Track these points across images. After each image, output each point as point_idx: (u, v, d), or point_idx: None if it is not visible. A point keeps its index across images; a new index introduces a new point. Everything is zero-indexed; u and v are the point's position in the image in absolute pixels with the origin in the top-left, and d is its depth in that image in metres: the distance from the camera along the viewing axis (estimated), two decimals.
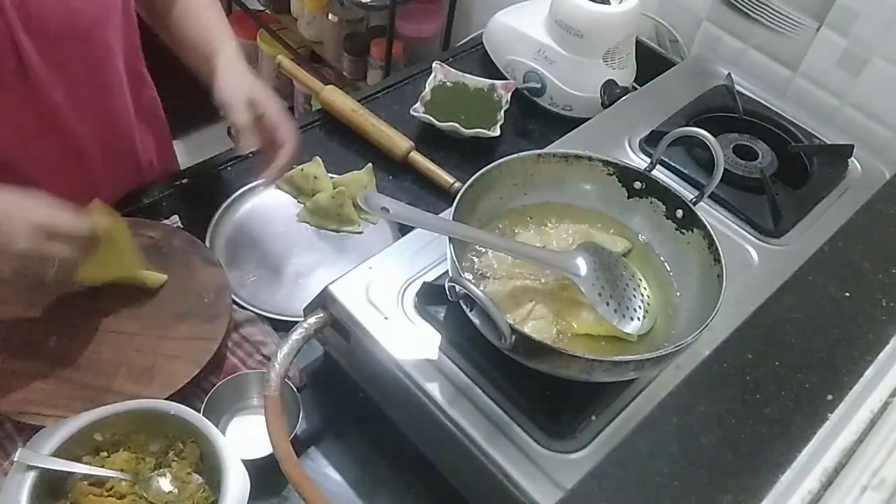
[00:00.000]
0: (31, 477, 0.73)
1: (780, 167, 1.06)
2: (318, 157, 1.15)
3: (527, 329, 0.75)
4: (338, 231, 1.11)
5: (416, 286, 0.83)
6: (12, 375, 0.85)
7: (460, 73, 1.32)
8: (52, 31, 0.88)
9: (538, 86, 1.31)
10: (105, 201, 1.04)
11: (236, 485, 0.75)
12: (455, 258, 0.73)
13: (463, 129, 1.22)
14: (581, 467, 0.72)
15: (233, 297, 0.97)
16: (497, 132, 1.23)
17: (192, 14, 1.05)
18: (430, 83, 1.29)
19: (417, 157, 1.18)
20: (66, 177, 1.00)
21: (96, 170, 1.04)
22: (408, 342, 0.80)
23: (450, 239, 0.73)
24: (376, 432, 0.88)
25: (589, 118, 1.15)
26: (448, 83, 1.31)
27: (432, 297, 0.81)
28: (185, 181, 1.11)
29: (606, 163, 0.86)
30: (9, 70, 0.87)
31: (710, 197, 0.88)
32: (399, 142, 1.19)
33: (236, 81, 0.96)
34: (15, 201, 0.77)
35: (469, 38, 1.55)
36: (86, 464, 0.78)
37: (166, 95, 1.20)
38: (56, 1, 0.87)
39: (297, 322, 0.82)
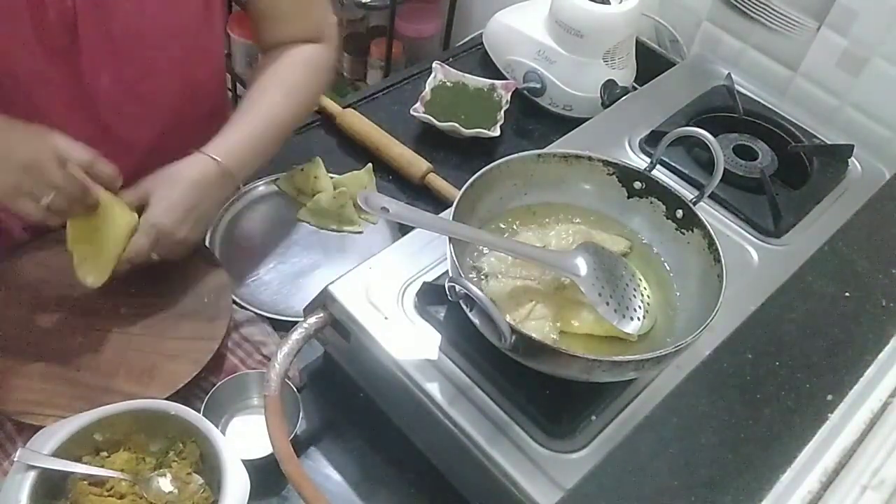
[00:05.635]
0: (31, 477, 0.73)
1: (780, 167, 1.06)
2: (318, 157, 1.15)
3: (527, 329, 0.75)
4: (338, 231, 1.11)
5: (416, 286, 0.83)
6: (12, 375, 0.85)
7: (460, 73, 1.32)
8: (116, 32, 0.89)
9: (538, 86, 1.31)
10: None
11: (236, 485, 0.75)
12: (455, 258, 0.73)
13: (463, 129, 1.22)
14: (581, 467, 0.72)
15: (233, 297, 0.97)
16: (497, 132, 1.23)
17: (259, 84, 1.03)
18: (430, 83, 1.29)
19: (435, 179, 1.17)
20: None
21: (136, 164, 1.01)
22: (408, 342, 0.79)
23: (450, 239, 0.73)
24: (376, 432, 0.88)
25: (589, 118, 1.15)
26: (448, 83, 1.31)
27: (432, 297, 0.81)
28: None
29: (606, 163, 0.86)
30: (61, 45, 0.87)
31: (710, 197, 0.88)
32: (417, 163, 1.18)
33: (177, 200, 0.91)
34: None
35: (469, 38, 1.55)
36: (86, 464, 0.78)
37: None
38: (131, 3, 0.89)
39: (297, 322, 0.82)
